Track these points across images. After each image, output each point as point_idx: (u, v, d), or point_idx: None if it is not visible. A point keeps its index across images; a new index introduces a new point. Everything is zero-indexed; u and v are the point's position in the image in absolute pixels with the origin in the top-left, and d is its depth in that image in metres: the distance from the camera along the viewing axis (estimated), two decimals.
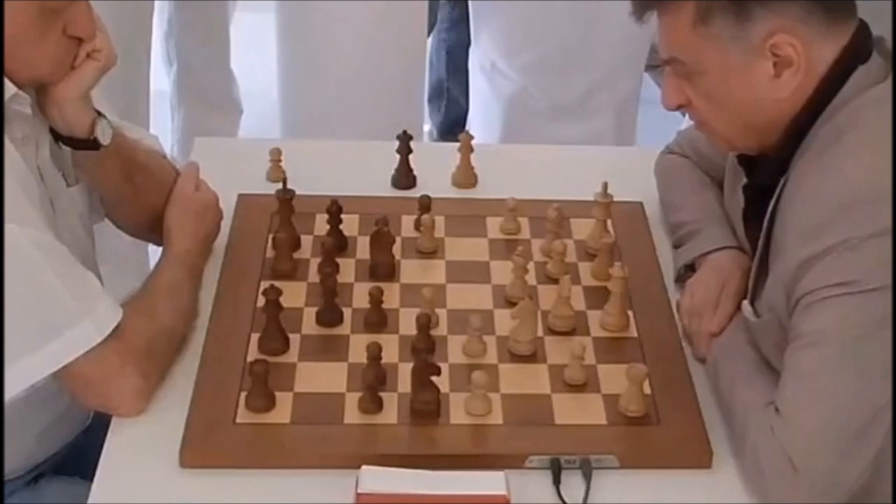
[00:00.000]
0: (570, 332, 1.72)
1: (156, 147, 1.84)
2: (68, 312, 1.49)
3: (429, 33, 3.03)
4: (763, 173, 1.58)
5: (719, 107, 1.54)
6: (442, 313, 1.74)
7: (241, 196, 1.96)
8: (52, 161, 1.62)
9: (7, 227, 1.43)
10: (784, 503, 1.44)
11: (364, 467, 1.46)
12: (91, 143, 1.61)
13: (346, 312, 1.73)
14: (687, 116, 1.66)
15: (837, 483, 1.43)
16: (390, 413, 1.57)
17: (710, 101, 1.54)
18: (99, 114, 1.62)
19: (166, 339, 1.62)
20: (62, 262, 1.50)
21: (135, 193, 1.74)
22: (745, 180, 1.64)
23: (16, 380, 1.48)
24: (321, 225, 1.88)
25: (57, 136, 1.61)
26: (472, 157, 2.05)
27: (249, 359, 1.62)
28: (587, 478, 1.51)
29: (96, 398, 1.58)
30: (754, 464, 1.47)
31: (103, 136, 1.62)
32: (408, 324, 1.69)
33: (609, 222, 1.90)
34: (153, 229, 1.82)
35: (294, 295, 1.74)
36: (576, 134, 2.78)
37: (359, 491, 1.43)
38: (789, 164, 1.53)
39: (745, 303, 1.61)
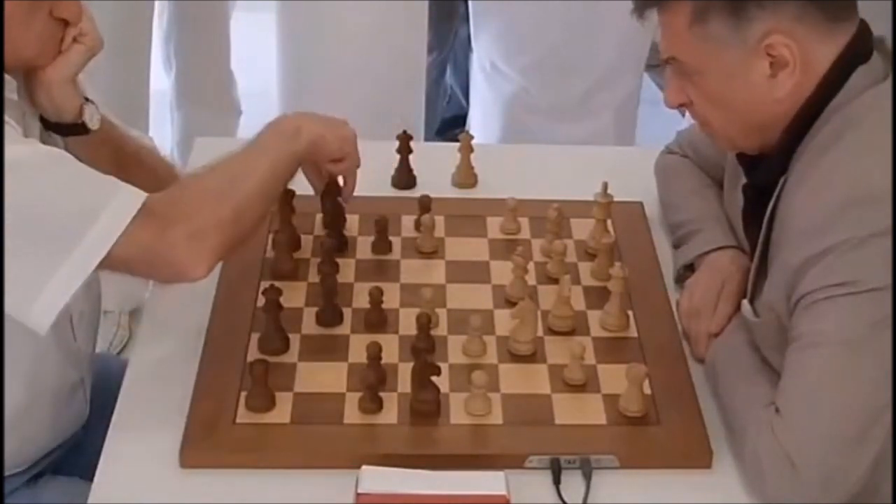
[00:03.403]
0: (570, 332, 1.72)
1: (151, 143, 1.83)
2: (104, 188, 1.48)
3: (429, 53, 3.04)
4: (763, 173, 1.58)
5: (718, 106, 1.54)
6: (442, 313, 1.74)
7: None
8: None
9: (14, 148, 1.43)
10: (785, 501, 1.44)
11: (364, 467, 1.46)
12: (79, 128, 1.62)
13: (346, 312, 1.73)
14: (687, 116, 1.66)
15: (837, 483, 1.42)
16: (390, 413, 1.57)
17: (710, 101, 1.55)
18: (87, 100, 1.62)
19: (213, 197, 1.54)
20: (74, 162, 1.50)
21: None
22: (744, 180, 1.64)
23: (76, 268, 1.45)
24: (321, 225, 1.88)
25: (46, 124, 1.62)
26: (472, 157, 2.05)
27: (249, 359, 1.62)
28: (587, 478, 1.51)
29: (162, 268, 1.53)
30: (754, 464, 1.47)
31: (91, 120, 1.62)
32: (408, 324, 1.69)
33: (609, 222, 1.90)
34: None
35: (294, 295, 1.74)
36: (576, 134, 2.79)
37: (359, 491, 1.43)
38: (789, 164, 1.53)
39: (745, 302, 1.61)
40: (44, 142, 1.63)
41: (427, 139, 3.11)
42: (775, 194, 1.54)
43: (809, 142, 1.51)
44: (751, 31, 1.46)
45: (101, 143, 1.65)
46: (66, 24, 1.56)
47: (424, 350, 1.62)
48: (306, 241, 1.87)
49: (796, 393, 1.45)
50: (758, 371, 1.57)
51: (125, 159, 1.71)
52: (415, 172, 2.04)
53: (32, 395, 1.62)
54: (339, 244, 1.84)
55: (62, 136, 1.63)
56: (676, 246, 1.87)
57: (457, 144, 2.06)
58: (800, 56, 1.47)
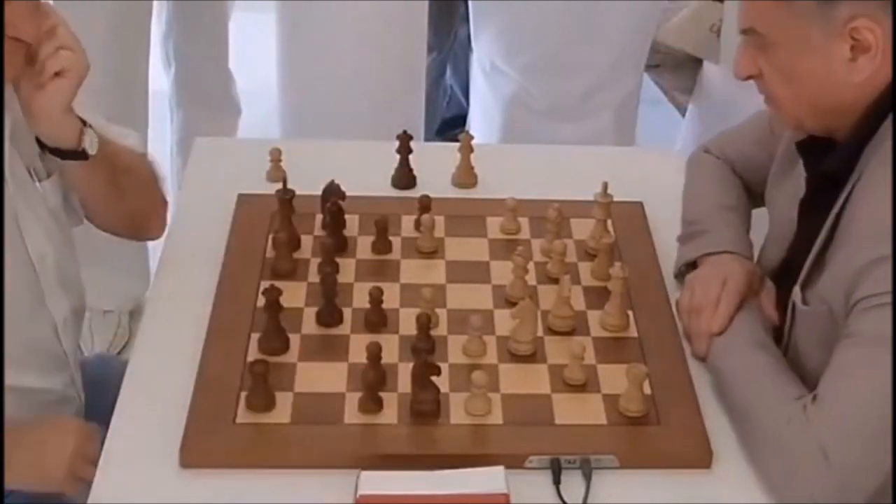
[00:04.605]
0: (570, 332, 1.72)
1: (138, 147, 1.82)
2: None
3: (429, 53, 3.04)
4: (833, 162, 1.56)
5: (791, 82, 1.53)
6: (442, 313, 1.74)
7: (241, 196, 1.96)
8: (14, 156, 1.61)
9: None
10: (812, 495, 1.43)
11: (363, 473, 1.46)
12: (79, 154, 1.61)
13: (346, 312, 1.73)
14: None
15: (865, 478, 1.42)
16: (390, 413, 1.57)
17: (784, 76, 1.53)
18: (83, 122, 1.61)
19: None
20: None
21: (118, 196, 1.73)
22: (800, 169, 1.62)
23: None
24: (321, 225, 1.89)
25: (43, 146, 1.61)
26: (472, 157, 2.05)
27: (249, 359, 1.62)
28: (587, 478, 1.51)
29: None
30: (782, 458, 1.46)
31: (91, 146, 1.61)
32: (408, 324, 1.69)
33: (609, 222, 1.90)
34: (137, 228, 1.83)
35: (294, 295, 1.74)
36: (576, 134, 2.78)
37: (359, 493, 1.43)
38: (860, 155, 1.52)
39: (796, 289, 1.59)
40: (19, 148, 1.62)
41: (427, 139, 3.11)
42: (849, 188, 1.52)
43: (883, 136, 1.49)
44: (837, 11, 1.45)
45: (98, 162, 1.65)
46: (26, 43, 1.52)
47: (424, 350, 1.62)
48: (306, 241, 1.87)
49: (842, 387, 1.44)
50: (775, 370, 1.56)
51: (118, 175, 1.70)
52: (415, 172, 2.04)
53: (16, 405, 1.62)
54: (339, 244, 1.84)
55: (60, 159, 1.63)
56: (682, 242, 1.86)
57: (457, 144, 2.06)
58: (882, 43, 1.45)
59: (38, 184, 1.66)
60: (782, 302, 1.66)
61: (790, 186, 1.67)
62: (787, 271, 1.67)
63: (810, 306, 1.56)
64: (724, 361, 1.63)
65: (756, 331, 1.65)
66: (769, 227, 1.78)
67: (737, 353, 1.62)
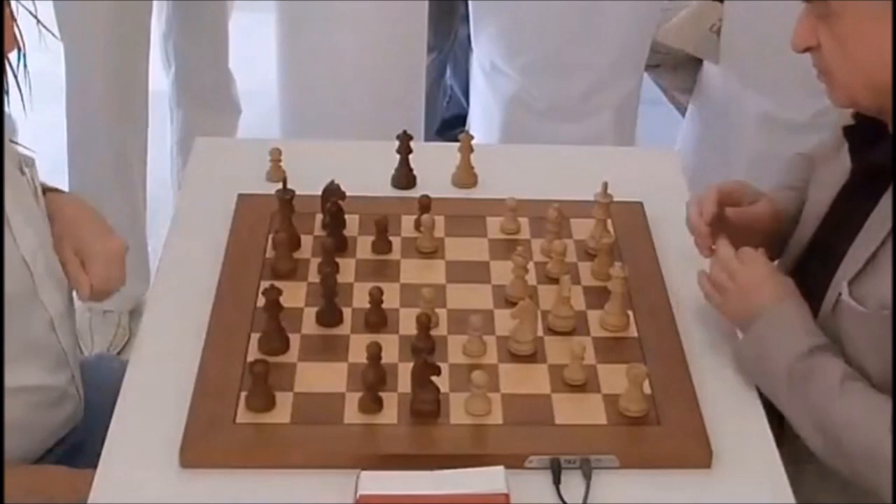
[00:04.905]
0: (570, 332, 1.72)
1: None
2: None
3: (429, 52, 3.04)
4: (880, 154, 1.55)
5: (848, 56, 1.51)
6: (442, 313, 1.74)
7: (241, 196, 1.96)
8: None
9: None
10: None
11: (363, 473, 1.46)
12: None
13: (346, 312, 1.73)
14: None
15: None
16: (390, 413, 1.57)
17: (843, 47, 1.51)
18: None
19: None
20: None
21: None
22: (845, 155, 1.61)
23: None
24: (321, 225, 1.89)
25: None
26: (472, 157, 2.05)
27: (249, 359, 1.62)
28: (587, 478, 1.51)
29: None
30: None
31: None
32: (408, 324, 1.69)
33: (609, 222, 1.90)
34: None
35: (294, 295, 1.74)
36: (576, 134, 2.78)
37: (359, 492, 1.43)
38: None
39: (844, 284, 1.56)
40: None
41: (427, 139, 3.11)
42: None
43: None
44: None
45: None
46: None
47: (424, 350, 1.62)
48: (306, 241, 1.87)
49: None
50: (854, 379, 1.53)
51: None
52: (415, 172, 2.04)
53: (22, 404, 1.62)
54: (339, 244, 1.84)
55: None
56: None
57: (457, 144, 2.06)
58: None
59: (27, 172, 1.67)
60: (808, 284, 1.64)
61: (835, 171, 1.65)
62: (813, 252, 1.65)
63: (867, 308, 1.54)
64: (774, 368, 1.59)
65: (807, 323, 1.61)
66: (806, 207, 1.77)
67: (811, 372, 1.56)
